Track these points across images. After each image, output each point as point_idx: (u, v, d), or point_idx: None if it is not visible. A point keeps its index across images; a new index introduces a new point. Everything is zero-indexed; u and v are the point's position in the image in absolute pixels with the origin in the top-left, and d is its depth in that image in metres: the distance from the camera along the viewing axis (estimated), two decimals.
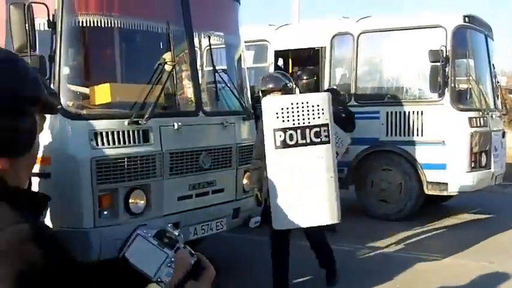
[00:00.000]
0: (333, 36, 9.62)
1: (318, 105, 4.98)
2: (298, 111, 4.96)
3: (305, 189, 5.04)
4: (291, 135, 4.97)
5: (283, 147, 5.01)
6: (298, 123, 4.96)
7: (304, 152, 5.01)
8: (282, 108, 4.98)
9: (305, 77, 9.84)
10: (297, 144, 4.99)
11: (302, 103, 4.99)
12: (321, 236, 5.64)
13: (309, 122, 4.96)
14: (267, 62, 10.19)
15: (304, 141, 4.98)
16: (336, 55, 9.71)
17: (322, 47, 9.76)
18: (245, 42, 6.98)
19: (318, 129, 4.98)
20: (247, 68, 7.92)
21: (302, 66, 10.87)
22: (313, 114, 4.96)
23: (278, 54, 10.26)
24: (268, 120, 5.07)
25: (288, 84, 5.67)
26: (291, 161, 5.03)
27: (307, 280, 6.04)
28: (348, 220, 8.56)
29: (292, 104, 4.99)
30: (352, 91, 9.36)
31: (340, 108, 8.04)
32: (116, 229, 4.82)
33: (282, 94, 5.51)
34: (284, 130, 4.98)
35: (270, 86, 5.64)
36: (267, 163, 5.15)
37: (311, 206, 5.05)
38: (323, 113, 4.97)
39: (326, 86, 9.52)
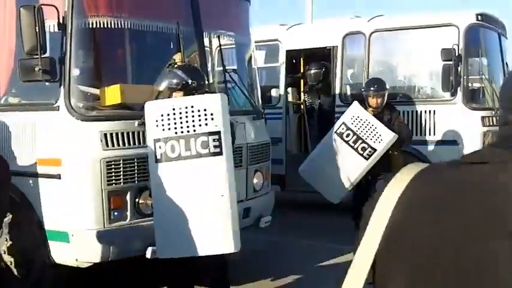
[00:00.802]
0: (345, 36, 9.58)
1: (205, 110, 4.21)
2: (181, 118, 4.23)
3: (192, 212, 4.28)
4: (172, 146, 4.23)
5: (165, 161, 4.30)
6: (182, 132, 4.21)
7: (189, 166, 4.25)
8: (162, 115, 4.28)
9: (313, 68, 9.85)
10: (179, 158, 4.25)
11: (186, 107, 4.25)
12: (222, 273, 4.90)
13: (194, 130, 4.22)
14: (279, 61, 10.18)
15: (188, 153, 4.22)
16: (347, 54, 9.66)
17: (333, 47, 9.72)
18: (256, 42, 6.99)
19: (205, 138, 4.20)
20: (259, 68, 7.94)
21: (314, 66, 10.85)
22: (199, 120, 4.21)
23: (290, 54, 10.23)
24: (148, 128, 4.40)
25: (191, 82, 4.63)
26: (174, 178, 4.30)
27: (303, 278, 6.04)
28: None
29: (174, 108, 4.27)
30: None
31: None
32: (126, 230, 4.85)
33: (183, 95, 4.58)
34: (165, 140, 4.27)
35: (164, 84, 4.70)
36: (150, 180, 4.50)
37: (201, 232, 4.28)
38: (212, 119, 4.20)
39: (338, 86, 9.49)
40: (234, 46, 6.71)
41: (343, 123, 7.00)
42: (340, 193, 7.25)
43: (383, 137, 6.78)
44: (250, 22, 6.59)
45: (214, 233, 4.29)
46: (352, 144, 6.86)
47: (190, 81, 4.62)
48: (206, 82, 4.88)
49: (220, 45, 6.06)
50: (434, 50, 8.61)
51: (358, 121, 6.89)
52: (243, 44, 6.63)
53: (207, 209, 4.27)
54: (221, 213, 4.28)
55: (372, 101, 6.96)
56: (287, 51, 10.12)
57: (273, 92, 10.08)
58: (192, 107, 4.27)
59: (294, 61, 10.66)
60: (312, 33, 10.29)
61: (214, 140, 4.20)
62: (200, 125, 4.23)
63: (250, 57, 6.61)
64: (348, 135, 6.90)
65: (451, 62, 8.28)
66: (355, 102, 7.09)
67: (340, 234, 7.56)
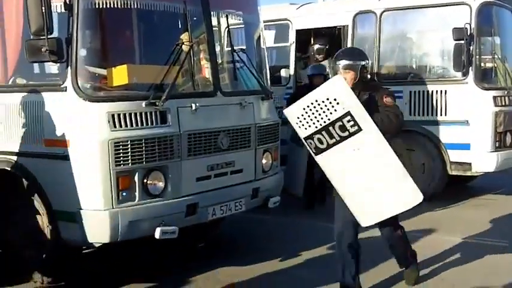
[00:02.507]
0: (355, 15, 9.48)
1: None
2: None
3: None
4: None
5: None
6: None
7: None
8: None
9: (317, 44, 9.74)
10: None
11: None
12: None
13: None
14: (289, 41, 10.10)
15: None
16: (358, 34, 9.57)
17: (344, 26, 9.64)
18: (266, 21, 6.93)
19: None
20: (268, 48, 7.88)
21: (324, 45, 10.76)
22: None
23: (300, 33, 10.15)
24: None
25: None
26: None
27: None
28: None
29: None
30: (375, 70, 9.23)
31: None
32: (135, 210, 4.85)
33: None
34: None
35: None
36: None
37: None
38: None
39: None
40: (242, 25, 6.65)
41: (304, 139, 5.07)
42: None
43: (329, 95, 5.08)
44: (259, 1, 6.52)
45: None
46: (333, 140, 4.79)
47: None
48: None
49: (228, 25, 6.01)
50: (446, 29, 8.50)
51: (304, 118, 4.76)
52: (251, 23, 6.56)
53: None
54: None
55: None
56: (297, 30, 10.04)
57: (283, 72, 10.01)
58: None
59: (303, 41, 10.57)
60: (322, 13, 10.19)
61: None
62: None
63: (259, 36, 6.54)
64: (320, 141, 4.78)
65: (462, 41, 8.19)
66: (285, 111, 5.13)
67: None
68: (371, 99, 4.76)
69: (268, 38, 9.01)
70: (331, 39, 10.16)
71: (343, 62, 4.84)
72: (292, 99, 8.14)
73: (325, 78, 8.18)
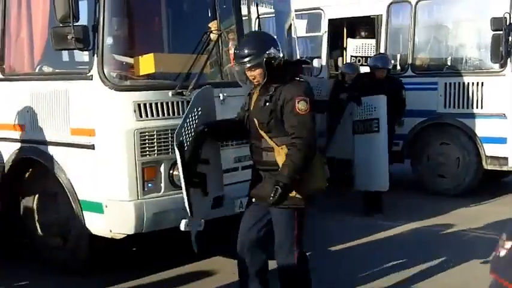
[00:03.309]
0: (390, 4, 9.27)
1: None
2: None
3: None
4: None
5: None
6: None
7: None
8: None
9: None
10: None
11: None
12: None
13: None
14: (321, 31, 9.93)
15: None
16: (392, 23, 9.37)
17: (378, 15, 9.43)
18: (298, 10, 6.80)
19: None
20: (301, 37, 7.75)
21: (358, 35, 10.59)
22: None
23: (332, 22, 9.96)
24: None
25: None
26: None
27: None
28: (403, 195, 8.39)
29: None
30: (409, 61, 9.04)
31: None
32: (160, 201, 4.77)
33: None
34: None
35: None
36: None
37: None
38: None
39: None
40: (273, 14, 6.52)
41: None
42: None
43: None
44: None
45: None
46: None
47: None
48: None
49: (258, 13, 5.88)
50: (483, 19, 8.24)
51: None
52: (282, 11, 6.42)
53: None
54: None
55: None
56: (329, 20, 9.87)
57: (315, 63, 9.85)
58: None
59: (337, 30, 10.41)
60: (356, 2, 9.98)
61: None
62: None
63: (290, 26, 6.41)
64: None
65: (501, 32, 7.93)
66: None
67: (395, 208, 7.43)
68: (284, 104, 3.72)
69: (300, 28, 8.86)
70: (365, 29, 9.98)
71: (244, 60, 3.76)
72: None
73: (388, 71, 8.02)
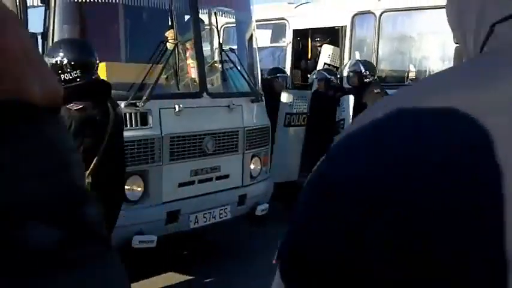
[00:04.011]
0: (354, 15, 9.20)
1: None
2: None
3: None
4: None
5: None
6: None
7: None
8: None
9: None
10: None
11: None
12: None
13: None
14: (285, 41, 9.82)
15: None
16: (356, 35, 9.30)
17: (342, 26, 9.36)
18: (262, 20, 6.66)
19: None
20: (264, 47, 7.61)
21: (321, 46, 10.51)
22: None
23: (297, 33, 9.87)
24: None
25: None
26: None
27: None
28: None
29: None
30: None
31: None
32: None
33: None
34: None
35: None
36: None
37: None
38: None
39: (347, 67, 9.12)
40: (233, 24, 6.39)
41: None
42: None
43: None
44: None
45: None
46: None
47: None
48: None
49: (217, 23, 5.74)
50: (447, 32, 8.19)
51: None
52: (242, 21, 6.29)
53: None
54: None
55: None
56: (294, 30, 9.77)
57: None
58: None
59: (300, 41, 10.31)
60: (320, 12, 9.90)
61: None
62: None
63: (251, 36, 6.27)
64: None
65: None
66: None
67: None
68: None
69: (264, 38, 8.75)
70: (329, 40, 9.90)
71: None
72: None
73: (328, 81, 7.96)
